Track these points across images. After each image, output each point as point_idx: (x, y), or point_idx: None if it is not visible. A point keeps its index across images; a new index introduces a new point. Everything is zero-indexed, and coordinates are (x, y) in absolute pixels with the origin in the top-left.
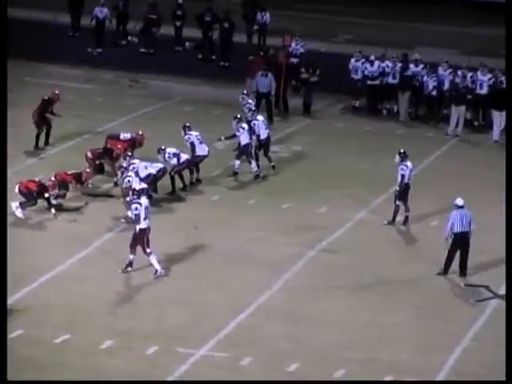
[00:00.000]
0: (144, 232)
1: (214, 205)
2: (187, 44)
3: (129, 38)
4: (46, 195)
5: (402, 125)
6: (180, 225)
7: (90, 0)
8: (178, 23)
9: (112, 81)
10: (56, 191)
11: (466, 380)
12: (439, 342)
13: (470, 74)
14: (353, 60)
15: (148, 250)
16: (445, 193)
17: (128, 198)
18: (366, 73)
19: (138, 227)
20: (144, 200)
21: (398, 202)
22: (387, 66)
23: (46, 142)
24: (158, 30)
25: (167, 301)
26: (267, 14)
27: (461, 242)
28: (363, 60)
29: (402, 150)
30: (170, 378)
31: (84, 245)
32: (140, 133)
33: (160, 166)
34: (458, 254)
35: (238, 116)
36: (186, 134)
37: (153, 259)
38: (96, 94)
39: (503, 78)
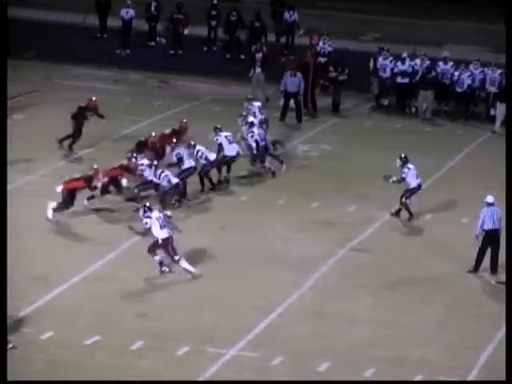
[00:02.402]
0: (167, 241)
1: (243, 205)
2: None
3: (157, 39)
4: (94, 184)
5: (430, 123)
6: (208, 225)
7: (117, 1)
8: (214, 23)
9: (140, 82)
10: (105, 180)
11: (489, 380)
12: (470, 340)
13: None
14: (381, 58)
15: (176, 258)
16: (475, 190)
17: (140, 213)
18: (395, 71)
19: (159, 238)
20: (155, 213)
21: (407, 201)
22: (416, 64)
23: (70, 147)
24: (184, 31)
25: (197, 301)
26: (295, 13)
27: (491, 239)
28: (391, 58)
29: (402, 155)
30: (200, 379)
31: (114, 246)
32: (184, 120)
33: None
34: (488, 251)
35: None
36: (216, 134)
37: (184, 264)
38: (124, 95)
39: None
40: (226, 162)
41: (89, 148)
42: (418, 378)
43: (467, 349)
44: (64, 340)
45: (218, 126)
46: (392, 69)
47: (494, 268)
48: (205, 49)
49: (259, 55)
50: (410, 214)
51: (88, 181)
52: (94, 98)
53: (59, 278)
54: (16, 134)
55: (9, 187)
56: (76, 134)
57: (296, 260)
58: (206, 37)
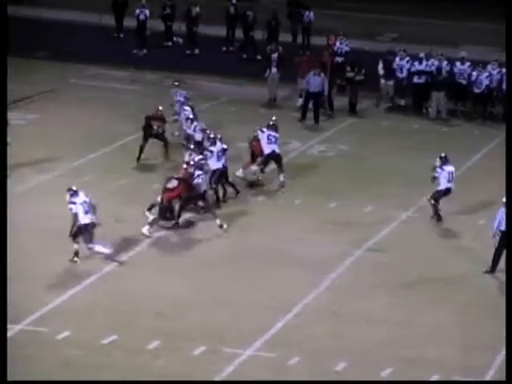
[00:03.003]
0: (87, 227)
1: (260, 205)
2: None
3: (174, 38)
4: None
5: (447, 123)
6: (227, 224)
7: (134, 1)
8: (230, 23)
9: (157, 81)
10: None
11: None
12: (486, 340)
13: None
14: (397, 58)
15: (89, 246)
16: (492, 191)
17: (67, 197)
18: (412, 70)
19: (81, 223)
20: (80, 198)
21: (432, 201)
22: (433, 65)
23: (166, 155)
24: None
25: (213, 301)
26: (311, 14)
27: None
28: (408, 58)
29: (442, 155)
30: (216, 379)
31: (130, 245)
32: (160, 108)
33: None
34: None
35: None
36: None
37: (97, 248)
38: (141, 95)
39: None
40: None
41: (107, 147)
42: (435, 377)
43: (483, 349)
44: (80, 340)
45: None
46: (409, 69)
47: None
48: (223, 49)
49: (275, 55)
50: (438, 215)
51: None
52: (160, 108)
53: (75, 278)
54: (31, 134)
55: (24, 187)
56: (142, 144)
57: (313, 260)
58: (223, 36)
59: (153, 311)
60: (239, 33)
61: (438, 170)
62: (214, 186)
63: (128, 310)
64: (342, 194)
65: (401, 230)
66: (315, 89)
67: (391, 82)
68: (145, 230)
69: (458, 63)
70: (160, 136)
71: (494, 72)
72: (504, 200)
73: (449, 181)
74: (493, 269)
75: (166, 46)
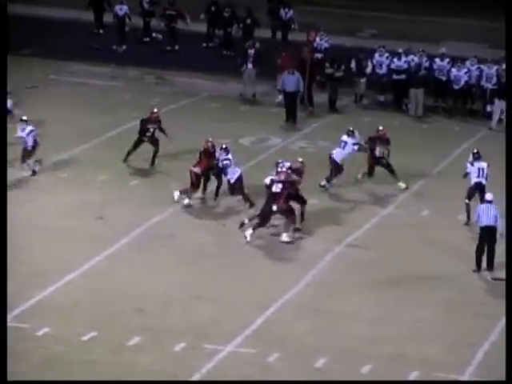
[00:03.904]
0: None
1: (241, 202)
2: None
3: (153, 34)
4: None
5: (427, 120)
6: (208, 221)
7: None
8: (211, 20)
9: (138, 78)
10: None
11: (484, 380)
12: (467, 337)
13: None
14: (377, 55)
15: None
16: None
17: None
18: (392, 67)
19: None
20: (29, 127)
21: (466, 201)
22: (412, 61)
23: (152, 162)
24: (185, 23)
25: (194, 297)
26: (291, 11)
27: (487, 235)
28: (387, 54)
29: (475, 150)
30: (197, 375)
31: (111, 242)
32: (155, 110)
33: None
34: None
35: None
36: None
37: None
38: (122, 91)
39: None
40: None
41: (87, 143)
42: (415, 374)
43: (465, 346)
44: (61, 336)
45: None
46: (388, 65)
47: (490, 264)
48: (204, 45)
49: (251, 51)
50: (467, 216)
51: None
52: (155, 110)
53: (55, 274)
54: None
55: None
56: (132, 146)
57: (294, 256)
58: (203, 32)
59: (133, 307)
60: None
61: (468, 165)
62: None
63: (108, 306)
64: (323, 190)
65: (382, 225)
66: (291, 88)
67: (363, 80)
68: (247, 234)
69: (437, 59)
70: (153, 141)
71: (473, 68)
72: (486, 197)
73: (478, 176)
74: (477, 266)
75: (145, 42)
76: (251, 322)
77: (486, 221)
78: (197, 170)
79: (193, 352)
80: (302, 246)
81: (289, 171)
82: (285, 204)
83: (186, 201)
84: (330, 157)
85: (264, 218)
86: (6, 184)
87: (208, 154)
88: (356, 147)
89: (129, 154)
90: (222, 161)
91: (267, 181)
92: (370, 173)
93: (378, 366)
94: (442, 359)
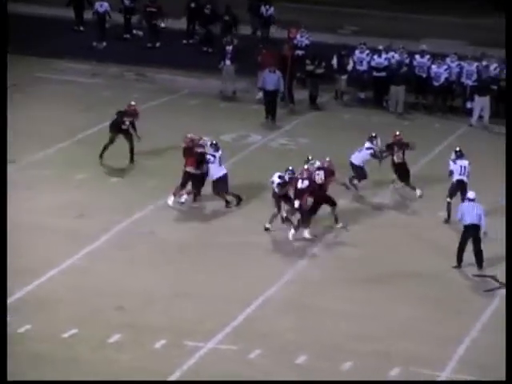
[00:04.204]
0: None
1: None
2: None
3: (134, 31)
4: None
5: (408, 117)
6: (189, 218)
7: None
8: (191, 16)
9: (118, 75)
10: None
11: (469, 380)
12: (448, 333)
13: (494, 65)
14: (357, 52)
15: None
16: None
17: None
18: (372, 64)
19: None
20: None
21: (448, 199)
22: (393, 57)
23: (131, 159)
24: (160, 23)
25: (175, 294)
26: (271, 8)
27: (470, 234)
28: (368, 51)
29: (457, 149)
30: (178, 372)
31: (91, 239)
32: (132, 103)
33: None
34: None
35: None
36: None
37: None
38: (102, 88)
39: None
40: None
41: (68, 140)
42: (396, 370)
43: (445, 342)
44: (42, 333)
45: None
46: (369, 62)
47: (479, 262)
48: (184, 42)
49: (229, 48)
50: (447, 215)
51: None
52: (132, 103)
53: (36, 272)
54: None
55: None
56: (108, 141)
57: (276, 252)
58: (184, 30)
59: (114, 305)
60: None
61: (451, 163)
62: (220, 194)
63: (89, 303)
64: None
65: (365, 223)
66: (271, 87)
67: (344, 77)
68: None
69: (417, 56)
70: (128, 136)
71: (453, 65)
72: (468, 195)
73: (460, 174)
74: (458, 263)
75: (126, 38)
76: (232, 318)
77: (469, 219)
78: (189, 169)
79: (173, 349)
80: (285, 243)
81: (312, 170)
82: (306, 202)
83: (183, 198)
84: (350, 161)
85: (306, 213)
86: (6, 184)
87: (189, 151)
88: (369, 152)
89: (105, 148)
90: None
91: (275, 179)
92: (403, 179)
93: (359, 363)
94: (423, 355)
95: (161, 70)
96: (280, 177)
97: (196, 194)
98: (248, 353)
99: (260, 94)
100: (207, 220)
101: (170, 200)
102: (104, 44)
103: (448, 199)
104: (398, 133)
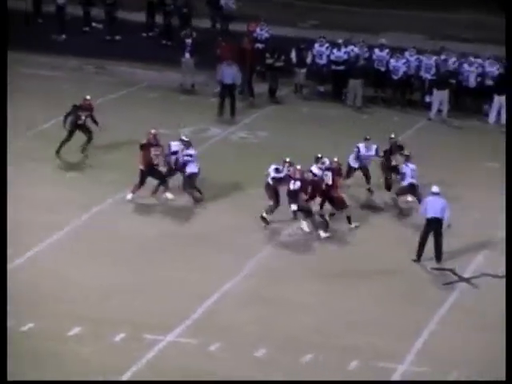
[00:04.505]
0: None
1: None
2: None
3: (93, 24)
4: None
5: (366, 110)
6: (147, 213)
7: None
8: (151, 9)
9: (78, 68)
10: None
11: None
12: (406, 326)
13: (452, 59)
14: (317, 45)
15: None
16: None
17: None
18: (332, 57)
19: None
20: None
21: (394, 196)
22: (352, 51)
23: (84, 151)
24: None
25: (134, 287)
26: (231, 1)
27: (432, 228)
28: (327, 45)
29: (406, 152)
30: (137, 365)
31: (49, 233)
32: (87, 97)
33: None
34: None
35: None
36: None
37: None
38: (62, 81)
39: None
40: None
41: (25, 134)
42: (354, 363)
43: (404, 334)
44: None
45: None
46: (328, 56)
47: (438, 256)
48: (144, 35)
49: (188, 41)
50: (400, 209)
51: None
52: (87, 97)
53: None
54: None
55: None
56: (66, 137)
57: (235, 246)
58: (143, 22)
59: (73, 298)
60: (160, 19)
61: (403, 166)
62: (190, 190)
63: (48, 297)
64: (263, 179)
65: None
66: (229, 80)
67: (304, 70)
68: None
69: (376, 50)
70: (85, 129)
71: (412, 59)
72: (432, 189)
73: (412, 177)
74: (418, 256)
75: (85, 31)
76: (192, 311)
77: (432, 213)
78: (141, 167)
79: (133, 342)
80: (243, 236)
81: (301, 170)
82: (305, 203)
83: (129, 195)
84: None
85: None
86: (6, 184)
87: (148, 148)
88: (354, 153)
89: (62, 144)
90: (184, 156)
91: (271, 171)
92: (388, 186)
93: (319, 356)
94: (382, 348)
95: (120, 62)
96: (277, 169)
97: (157, 187)
98: (208, 346)
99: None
100: (167, 214)
101: (129, 196)
102: (63, 37)
103: (395, 196)
104: (392, 135)
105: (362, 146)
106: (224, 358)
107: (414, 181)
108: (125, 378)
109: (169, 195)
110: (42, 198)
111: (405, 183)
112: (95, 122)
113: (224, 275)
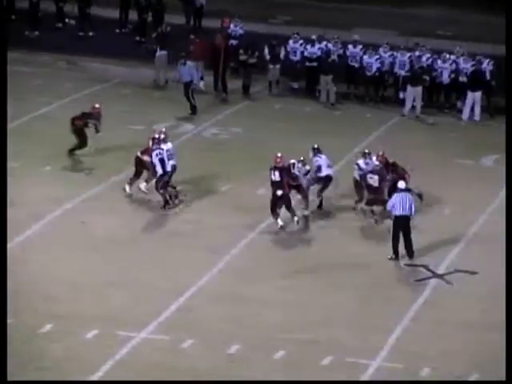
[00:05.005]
0: None
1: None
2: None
3: (66, 20)
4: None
5: (339, 106)
6: (120, 208)
7: None
8: (124, 5)
9: (50, 63)
10: None
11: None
12: (379, 322)
13: (426, 56)
14: (291, 42)
15: None
16: None
17: None
18: (305, 54)
19: None
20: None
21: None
22: (326, 47)
23: (71, 152)
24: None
25: (106, 284)
26: None
27: (401, 224)
28: (301, 41)
29: (315, 146)
30: (110, 361)
31: (21, 229)
32: (96, 105)
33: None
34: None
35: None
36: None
37: None
38: (34, 76)
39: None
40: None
41: None
42: (328, 359)
43: (377, 330)
44: None
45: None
46: (302, 52)
47: (409, 252)
48: (117, 31)
49: (162, 36)
50: (319, 206)
51: None
52: (97, 105)
53: None
54: None
55: None
56: (79, 143)
57: (207, 243)
58: (116, 18)
59: (45, 294)
60: (133, 15)
61: (317, 158)
62: (161, 191)
63: (19, 293)
64: (236, 176)
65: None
66: (187, 78)
67: (278, 66)
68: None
69: (350, 46)
70: (82, 135)
71: (386, 55)
72: (399, 185)
73: (328, 166)
74: (396, 254)
75: (58, 27)
76: (164, 308)
77: (400, 211)
78: (146, 158)
79: (106, 339)
80: (216, 233)
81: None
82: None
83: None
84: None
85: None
86: (6, 184)
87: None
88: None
89: (75, 149)
90: (165, 152)
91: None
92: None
93: (292, 352)
94: (355, 344)
95: (93, 58)
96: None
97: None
98: (180, 343)
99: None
100: (140, 210)
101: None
102: (36, 33)
103: (319, 193)
104: (380, 153)
105: (361, 161)
106: (197, 355)
107: (330, 172)
108: (98, 374)
109: (142, 186)
110: (14, 193)
111: (320, 175)
112: (97, 130)
113: (197, 272)
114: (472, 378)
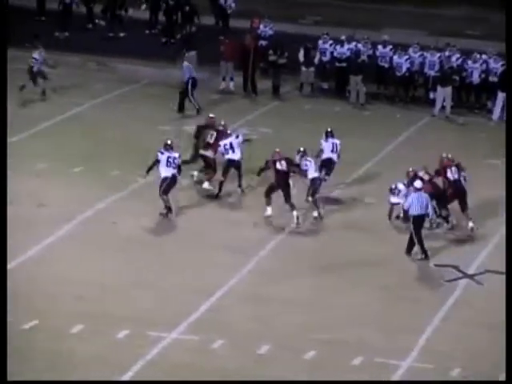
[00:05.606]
0: None
1: (184, 191)
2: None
3: (96, 21)
4: None
5: (369, 106)
6: (151, 209)
7: None
8: (154, 6)
9: (80, 65)
10: None
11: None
12: (409, 322)
13: (456, 56)
14: (320, 42)
15: None
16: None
17: None
18: (335, 54)
19: None
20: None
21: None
22: (355, 47)
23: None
24: (124, 13)
25: (137, 284)
26: None
27: (420, 223)
28: (331, 42)
29: (328, 129)
30: (141, 362)
31: (50, 230)
32: (211, 115)
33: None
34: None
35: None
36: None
37: None
38: (64, 78)
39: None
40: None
41: (28, 131)
42: (358, 359)
43: (406, 331)
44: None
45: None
46: (331, 52)
47: (408, 249)
48: (146, 31)
49: (190, 37)
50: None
51: None
52: (211, 115)
53: None
54: None
55: None
56: (192, 157)
57: (236, 243)
58: (146, 19)
59: (75, 295)
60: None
61: (322, 142)
62: (164, 196)
63: (49, 293)
64: (262, 177)
65: (326, 216)
66: (183, 79)
67: (312, 69)
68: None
69: (380, 46)
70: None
71: (415, 55)
72: (415, 185)
73: (332, 151)
74: (425, 253)
75: (88, 28)
76: (194, 309)
77: (418, 210)
78: (209, 153)
79: (136, 339)
80: (244, 234)
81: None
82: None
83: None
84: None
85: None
86: (6, 185)
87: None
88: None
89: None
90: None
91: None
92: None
93: (322, 352)
94: (384, 344)
95: (122, 59)
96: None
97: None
98: (211, 343)
99: (223, 84)
100: (170, 211)
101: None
102: (66, 34)
103: (324, 175)
104: (410, 169)
105: (400, 184)
106: (226, 356)
107: (331, 155)
108: (129, 374)
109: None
110: (44, 192)
111: (322, 158)
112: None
113: (225, 273)
114: (501, 379)
